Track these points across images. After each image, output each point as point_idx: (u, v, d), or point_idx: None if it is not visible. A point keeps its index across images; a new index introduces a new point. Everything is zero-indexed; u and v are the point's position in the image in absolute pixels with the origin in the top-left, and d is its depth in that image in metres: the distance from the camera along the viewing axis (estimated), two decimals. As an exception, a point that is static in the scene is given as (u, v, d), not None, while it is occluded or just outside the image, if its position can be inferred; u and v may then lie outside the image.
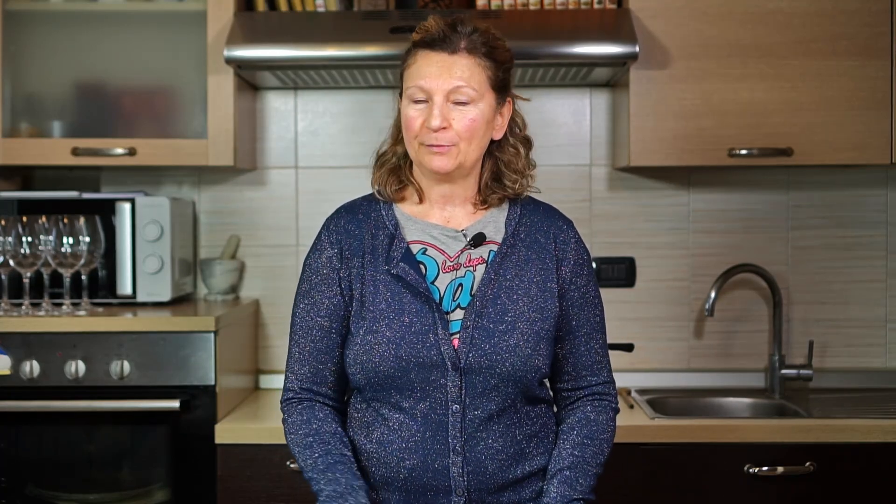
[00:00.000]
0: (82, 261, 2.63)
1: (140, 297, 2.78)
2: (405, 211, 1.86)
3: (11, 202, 2.80)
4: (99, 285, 2.79)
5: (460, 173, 1.81)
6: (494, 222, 1.85)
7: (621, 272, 3.06)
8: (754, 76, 2.73)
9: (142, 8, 2.84)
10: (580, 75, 2.87)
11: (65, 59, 2.87)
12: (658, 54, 2.73)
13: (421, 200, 1.85)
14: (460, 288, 1.79)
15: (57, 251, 2.60)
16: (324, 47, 2.68)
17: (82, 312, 2.61)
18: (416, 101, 1.78)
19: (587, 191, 3.07)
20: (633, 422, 2.55)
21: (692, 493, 2.50)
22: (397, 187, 1.86)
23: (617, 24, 2.72)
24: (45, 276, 2.67)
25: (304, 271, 1.87)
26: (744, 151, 2.73)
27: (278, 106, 3.09)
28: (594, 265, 3.01)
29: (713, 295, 2.89)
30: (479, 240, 1.82)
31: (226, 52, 2.64)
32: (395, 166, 1.87)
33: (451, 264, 1.81)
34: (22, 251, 2.60)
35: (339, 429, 1.82)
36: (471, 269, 1.81)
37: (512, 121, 1.86)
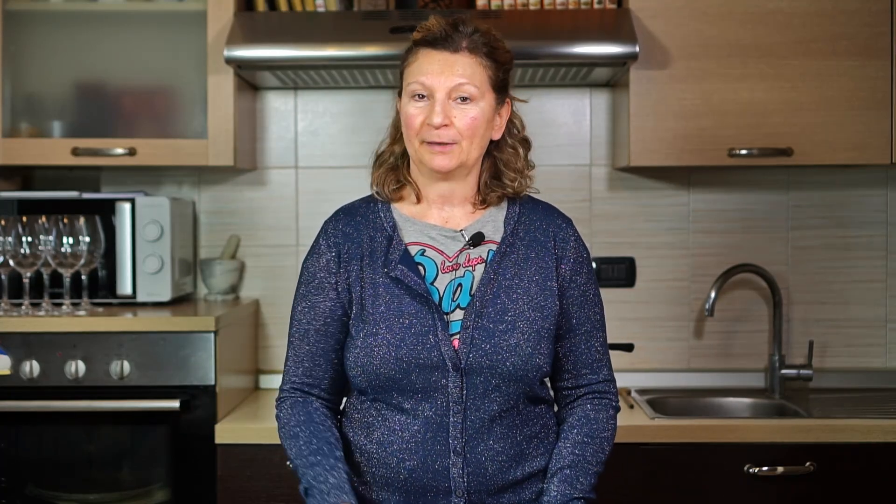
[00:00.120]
0: (82, 261, 2.63)
1: (140, 297, 2.78)
2: (403, 212, 1.86)
3: (11, 202, 2.80)
4: (99, 285, 2.79)
5: (461, 172, 1.81)
6: (493, 222, 1.85)
7: (621, 272, 3.06)
8: (754, 76, 2.73)
9: (142, 8, 2.84)
10: (580, 75, 2.87)
11: (65, 59, 2.87)
12: (658, 54, 2.73)
13: (419, 200, 1.86)
14: (460, 288, 1.79)
15: (57, 251, 2.60)
16: (324, 47, 2.68)
17: (82, 312, 2.61)
18: (417, 99, 1.78)
19: (587, 191, 3.07)
20: (633, 422, 2.55)
21: (692, 493, 2.50)
22: (395, 187, 1.86)
23: (617, 24, 2.72)
24: (45, 276, 2.67)
25: (301, 274, 1.88)
26: (744, 151, 2.73)
27: (278, 106, 3.09)
28: (594, 265, 3.01)
29: (713, 295, 2.89)
30: (477, 239, 1.82)
31: (226, 52, 2.65)
32: (393, 166, 1.87)
33: (450, 265, 1.81)
34: (22, 251, 2.60)
35: (329, 421, 1.83)
36: (470, 269, 1.81)
37: (510, 122, 1.87)
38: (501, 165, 1.86)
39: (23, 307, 2.62)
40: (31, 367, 2.52)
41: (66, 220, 2.61)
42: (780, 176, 3.05)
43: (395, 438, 1.77)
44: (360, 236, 1.84)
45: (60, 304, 2.65)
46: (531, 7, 2.81)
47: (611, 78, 2.93)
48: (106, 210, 2.76)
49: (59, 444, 2.58)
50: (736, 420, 2.76)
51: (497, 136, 1.85)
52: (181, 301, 2.94)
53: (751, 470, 2.49)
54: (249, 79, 2.91)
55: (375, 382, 1.77)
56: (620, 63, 2.69)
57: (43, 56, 2.84)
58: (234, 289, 3.04)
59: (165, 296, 2.78)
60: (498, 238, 1.84)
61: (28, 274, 2.62)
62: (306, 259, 1.88)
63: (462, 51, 1.78)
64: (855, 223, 3.06)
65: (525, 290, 1.80)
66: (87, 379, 2.52)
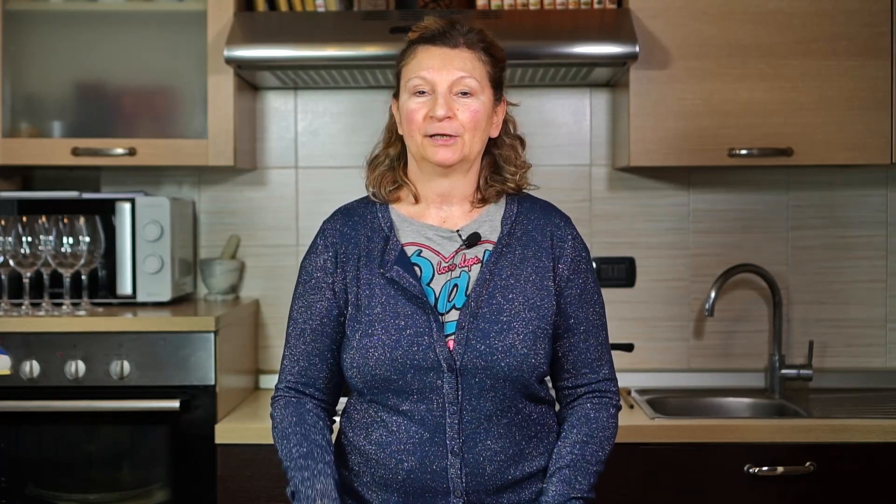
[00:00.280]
0: (82, 261, 2.63)
1: (140, 297, 2.78)
2: (401, 212, 1.86)
3: (11, 202, 2.80)
4: (99, 285, 2.79)
5: (462, 168, 1.82)
6: (490, 221, 1.85)
7: (621, 272, 3.07)
8: (754, 76, 2.73)
9: (142, 8, 2.84)
10: (580, 75, 2.87)
11: (65, 59, 2.87)
12: (658, 54, 2.73)
13: (417, 201, 1.86)
14: (455, 289, 1.79)
15: (57, 251, 2.60)
16: (324, 47, 2.68)
17: (82, 312, 2.61)
18: (418, 94, 1.78)
19: (587, 191, 3.07)
20: (633, 422, 2.55)
21: (692, 493, 2.50)
22: (392, 188, 1.87)
23: (617, 24, 2.72)
24: (45, 276, 2.68)
25: (299, 273, 1.88)
26: (744, 151, 2.73)
27: (278, 106, 3.09)
28: (594, 265, 3.01)
29: (713, 295, 2.89)
30: (473, 240, 1.82)
31: (226, 52, 2.65)
32: (389, 167, 1.88)
33: (446, 265, 1.81)
34: (22, 251, 2.60)
35: (321, 423, 1.83)
36: (466, 269, 1.81)
37: (504, 122, 1.89)
38: (501, 161, 1.87)
39: (23, 307, 2.62)
40: (31, 367, 2.52)
41: (66, 220, 2.61)
42: (779, 176, 3.05)
43: (393, 439, 1.77)
44: (357, 237, 1.84)
45: (60, 304, 2.65)
46: (531, 7, 2.81)
47: (611, 78, 2.93)
48: (106, 210, 2.76)
49: (59, 444, 2.58)
50: (736, 420, 2.76)
51: (495, 133, 1.86)
52: (181, 301, 2.94)
53: (751, 470, 2.49)
54: (249, 79, 2.91)
55: (371, 383, 1.77)
56: (620, 63, 2.69)
57: (43, 56, 2.84)
58: (234, 289, 3.04)
59: (165, 296, 2.78)
60: (494, 238, 1.84)
61: (28, 274, 2.63)
62: (304, 259, 1.88)
63: (461, 46, 1.79)
64: (855, 223, 3.06)
65: (521, 290, 1.80)
66: (87, 379, 2.52)
